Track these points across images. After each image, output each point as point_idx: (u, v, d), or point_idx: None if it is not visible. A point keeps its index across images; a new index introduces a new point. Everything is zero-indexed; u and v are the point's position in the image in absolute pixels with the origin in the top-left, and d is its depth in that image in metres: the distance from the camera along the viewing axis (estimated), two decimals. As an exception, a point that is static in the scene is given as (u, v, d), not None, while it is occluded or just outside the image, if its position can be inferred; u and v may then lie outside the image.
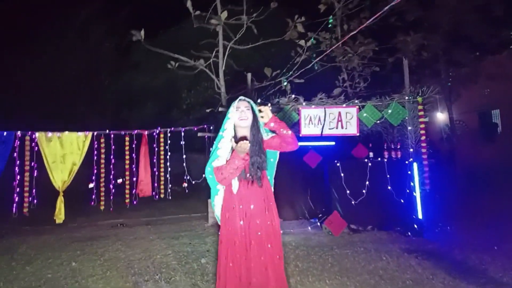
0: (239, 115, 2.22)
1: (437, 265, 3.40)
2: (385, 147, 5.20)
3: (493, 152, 10.60)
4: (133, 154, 6.15)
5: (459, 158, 8.85)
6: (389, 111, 4.87)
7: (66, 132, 5.57)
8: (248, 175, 2.18)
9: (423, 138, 4.80)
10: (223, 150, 2.19)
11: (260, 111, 2.20)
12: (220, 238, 2.23)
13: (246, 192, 2.18)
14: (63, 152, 5.50)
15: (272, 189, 2.36)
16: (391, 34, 7.74)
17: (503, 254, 3.58)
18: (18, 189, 5.39)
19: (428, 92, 4.86)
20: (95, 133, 5.82)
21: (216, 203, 2.33)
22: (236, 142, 2.14)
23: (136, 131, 6.21)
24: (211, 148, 6.52)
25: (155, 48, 6.58)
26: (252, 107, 2.26)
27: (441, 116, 12.57)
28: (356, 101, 5.08)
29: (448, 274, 3.14)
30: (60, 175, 5.45)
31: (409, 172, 4.76)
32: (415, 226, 4.56)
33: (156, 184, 6.35)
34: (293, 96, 5.07)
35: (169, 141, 6.33)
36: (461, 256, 3.62)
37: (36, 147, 5.45)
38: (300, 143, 5.46)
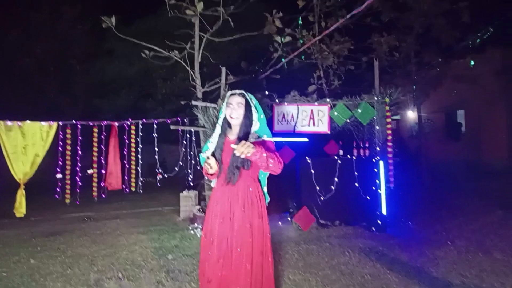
0: (229, 112, 2.11)
1: (395, 260, 3.58)
2: (355, 145, 5.36)
3: (456, 150, 11.23)
4: (102, 146, 5.94)
5: (426, 156, 9.29)
6: (359, 110, 5.00)
7: (28, 121, 5.28)
8: (228, 174, 2.08)
9: (389, 137, 4.98)
10: (213, 144, 2.17)
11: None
12: (202, 232, 2.22)
13: (224, 189, 2.10)
14: (25, 143, 5.22)
15: (263, 194, 2.24)
16: (367, 34, 7.92)
17: (455, 250, 3.82)
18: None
19: (396, 93, 5.03)
20: (61, 123, 5.56)
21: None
22: (218, 145, 2.14)
23: (105, 123, 5.99)
24: (184, 141, 6.37)
25: (129, 36, 6.34)
26: (247, 103, 2.11)
27: (411, 115, 13.09)
28: (328, 100, 5.17)
29: (404, 268, 3.32)
30: (21, 167, 5.18)
31: (376, 170, 4.94)
32: (379, 221, 4.76)
33: (126, 177, 6.19)
34: (267, 92, 5.07)
35: (141, 134, 6.16)
36: (418, 251, 3.83)
37: (-5, 137, 5.14)
38: (274, 139, 5.53)
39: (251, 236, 2.03)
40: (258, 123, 2.14)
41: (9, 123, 5.17)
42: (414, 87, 8.27)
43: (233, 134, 2.16)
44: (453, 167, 9.97)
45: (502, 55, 10.13)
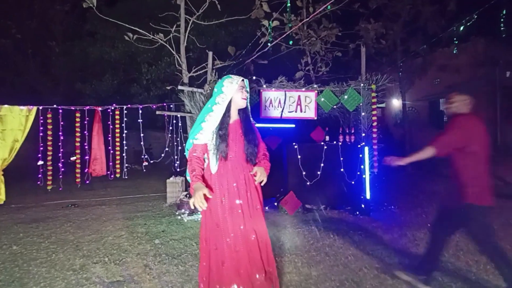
0: (243, 95, 2.15)
1: (378, 241, 3.71)
2: (341, 131, 5.43)
3: (439, 138, 11.54)
4: (85, 132, 5.79)
5: (410, 143, 9.53)
6: (345, 96, 5.05)
7: (6, 105, 5.07)
8: (230, 155, 2.11)
9: (374, 124, 5.06)
10: (208, 123, 2.09)
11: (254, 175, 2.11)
12: (201, 220, 2.17)
13: (226, 172, 2.10)
14: (3, 128, 5.03)
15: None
16: (355, 21, 7.90)
17: (434, 231, 3.99)
18: (-52, 167, 4.88)
19: (382, 80, 5.08)
20: (41, 107, 5.36)
21: None
22: (223, 126, 2.11)
23: (88, 107, 5.83)
24: (170, 127, 6.28)
25: (112, 17, 6.10)
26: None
27: (396, 103, 13.32)
28: (315, 86, 5.18)
29: (386, 249, 3.45)
30: (0, 153, 5.00)
31: (360, 156, 5.04)
32: (363, 206, 4.90)
33: (111, 163, 6.09)
34: (254, 77, 5.03)
35: (125, 119, 6.03)
36: (399, 233, 3.98)
37: (-30, 121, 4.92)
38: (261, 125, 5.50)
39: (254, 216, 2.13)
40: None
41: (-15, 106, 4.95)
42: (400, 73, 8.38)
43: (232, 117, 2.17)
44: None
45: (485, 45, 10.37)
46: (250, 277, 2.04)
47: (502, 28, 5.65)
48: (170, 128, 6.21)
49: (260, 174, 2.08)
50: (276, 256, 3.27)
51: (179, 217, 4.74)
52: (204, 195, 1.90)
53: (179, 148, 6.11)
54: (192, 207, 1.91)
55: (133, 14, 10.05)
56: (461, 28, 6.53)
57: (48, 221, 4.62)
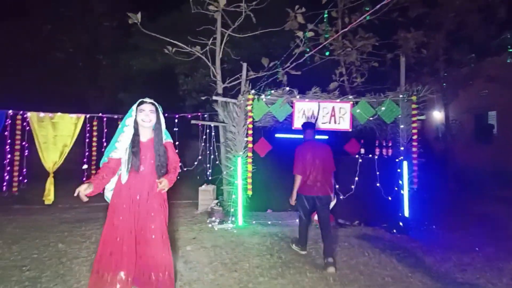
0: (143, 117, 2.45)
1: (418, 263, 3.46)
2: (377, 144, 5.22)
3: (487, 153, 10.65)
4: (126, 139, 6.13)
5: (452, 158, 8.89)
6: (383, 108, 4.86)
7: (59, 113, 5.54)
8: (141, 168, 2.43)
9: (414, 137, 4.81)
10: (121, 143, 2.44)
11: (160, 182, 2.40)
12: (106, 220, 2.44)
13: (134, 183, 2.42)
14: (55, 134, 5.49)
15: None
16: (392, 30, 7.65)
17: (483, 257, 3.65)
18: (8, 168, 5.39)
19: (423, 91, 4.84)
20: (88, 115, 5.78)
21: (108, 187, 2.56)
22: (134, 144, 2.43)
23: (129, 116, 6.18)
24: (204, 136, 6.45)
25: (153, 32, 6.48)
26: (157, 109, 2.48)
27: (438, 115, 12.56)
28: (350, 97, 5.06)
29: (427, 273, 3.21)
30: (51, 156, 5.45)
31: (399, 170, 4.79)
32: (401, 223, 4.62)
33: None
34: (288, 88, 5.03)
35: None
36: (442, 256, 3.68)
37: (28, 127, 5.43)
38: (294, 136, 5.45)
39: (152, 220, 2.43)
40: (163, 127, 2.57)
41: (41, 114, 5.45)
42: (444, 84, 7.89)
43: (144, 136, 2.50)
44: (482, 172, 9.46)
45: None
46: (134, 267, 2.40)
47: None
48: (204, 137, 6.37)
49: (164, 184, 2.39)
50: (307, 272, 3.19)
51: (210, 225, 4.80)
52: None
53: (212, 156, 6.23)
54: (76, 192, 2.29)
55: (172, 28, 10.60)
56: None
57: (89, 221, 4.91)
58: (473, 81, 8.51)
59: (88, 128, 5.85)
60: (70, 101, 12.99)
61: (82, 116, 5.70)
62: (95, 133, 5.88)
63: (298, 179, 3.55)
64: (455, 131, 10.39)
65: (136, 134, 2.46)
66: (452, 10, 7.60)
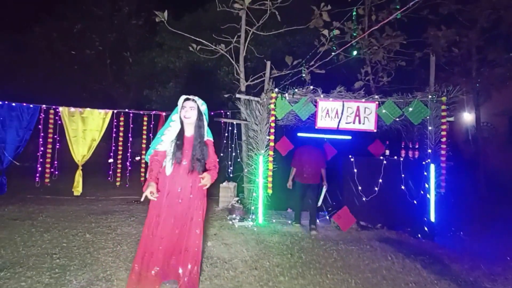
0: (183, 114, 2.56)
1: (444, 270, 3.33)
2: (403, 146, 5.06)
3: (520, 158, 10.04)
4: (150, 134, 6.29)
5: (483, 162, 8.45)
6: (410, 109, 4.70)
7: (88, 108, 5.77)
8: (184, 162, 2.53)
9: (443, 139, 4.61)
10: (167, 136, 2.56)
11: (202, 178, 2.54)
12: (148, 210, 2.54)
13: (177, 176, 2.53)
14: (84, 128, 5.72)
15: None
16: (422, 28, 7.35)
17: (516, 267, 3.45)
18: (41, 160, 5.69)
19: (454, 92, 4.63)
20: (115, 111, 5.98)
21: None
22: (178, 137, 2.55)
23: (154, 112, 6.33)
24: (226, 133, 6.54)
25: (178, 30, 6.60)
26: (198, 106, 2.57)
27: (468, 117, 11.97)
28: (376, 97, 4.92)
29: (454, 281, 3.08)
30: (80, 150, 5.69)
31: (425, 173, 4.62)
32: (426, 228, 4.46)
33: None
34: (311, 87, 4.96)
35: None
36: (470, 264, 3.52)
37: (60, 121, 5.69)
38: (316, 135, 5.42)
39: (191, 214, 2.55)
40: (206, 124, 2.64)
41: (72, 109, 5.69)
42: (478, 84, 7.51)
43: (189, 131, 2.60)
44: (514, 177, 8.94)
45: None
46: (168, 262, 2.56)
47: None
48: (226, 134, 6.42)
49: (206, 179, 2.51)
50: (328, 273, 3.15)
51: (230, 222, 4.84)
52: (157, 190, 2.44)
53: (233, 154, 6.28)
54: (144, 197, 2.40)
55: (197, 26, 10.76)
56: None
57: (115, 214, 5.09)
58: (508, 82, 8.04)
59: (115, 123, 6.05)
60: (99, 97, 13.52)
61: (110, 112, 5.90)
62: (121, 128, 6.08)
63: (293, 171, 4.91)
64: (487, 134, 9.87)
65: (181, 128, 2.58)
66: (488, 7, 7.20)
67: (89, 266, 3.11)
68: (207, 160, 2.64)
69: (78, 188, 5.75)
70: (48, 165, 5.71)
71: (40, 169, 5.77)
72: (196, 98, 2.59)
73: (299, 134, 5.62)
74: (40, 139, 5.69)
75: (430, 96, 4.67)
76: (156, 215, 2.50)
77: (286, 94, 4.93)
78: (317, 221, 4.92)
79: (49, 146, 5.69)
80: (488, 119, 10.41)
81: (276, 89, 4.99)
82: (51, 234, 3.98)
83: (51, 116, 5.66)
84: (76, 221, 4.60)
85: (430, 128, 4.68)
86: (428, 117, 4.70)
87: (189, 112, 2.55)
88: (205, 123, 2.62)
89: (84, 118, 5.76)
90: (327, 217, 5.22)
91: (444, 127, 4.63)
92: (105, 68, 13.89)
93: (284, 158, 5.24)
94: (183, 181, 2.53)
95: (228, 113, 6.87)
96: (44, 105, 5.65)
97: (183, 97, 2.59)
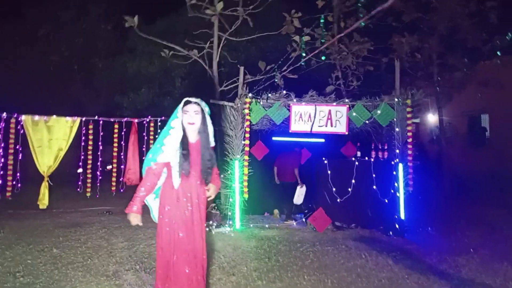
0: (187, 119, 2.27)
1: (414, 265, 3.48)
2: (373, 147, 5.26)
3: (480, 156, 10.78)
4: (122, 142, 6.10)
5: (447, 161, 8.97)
6: (378, 111, 4.91)
7: (54, 116, 5.49)
8: (193, 172, 2.30)
9: (409, 140, 4.86)
10: (168, 146, 2.25)
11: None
12: (157, 230, 2.32)
13: (184, 187, 2.29)
14: (50, 137, 5.44)
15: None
16: (387, 35, 7.74)
17: (478, 258, 3.69)
18: (1, 172, 5.33)
19: (417, 95, 4.90)
20: (84, 119, 5.74)
21: (154, 200, 2.45)
22: (184, 146, 2.27)
23: (126, 119, 6.15)
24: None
25: (150, 35, 6.48)
26: (202, 110, 2.30)
27: (432, 118, 12.69)
28: (347, 100, 5.10)
29: (423, 274, 3.23)
30: (46, 160, 5.39)
31: (394, 173, 4.83)
32: (397, 226, 4.66)
33: (144, 173, 6.32)
34: (285, 92, 5.06)
35: (159, 131, 6.28)
36: (438, 257, 3.71)
37: (22, 130, 5.37)
38: (291, 139, 5.52)
39: (198, 226, 2.34)
40: (211, 128, 2.39)
41: (36, 117, 5.39)
42: (438, 88, 8.01)
43: (192, 137, 2.34)
44: (475, 174, 9.57)
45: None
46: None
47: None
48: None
49: (212, 190, 2.41)
50: (305, 275, 3.19)
51: (207, 229, 4.78)
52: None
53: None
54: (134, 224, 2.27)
55: (169, 31, 10.60)
56: (504, 40, 6.17)
57: (85, 226, 4.86)
58: (466, 85, 8.64)
59: (84, 132, 5.81)
60: (66, 104, 12.87)
61: (78, 119, 5.65)
62: (90, 137, 5.84)
63: (275, 170, 5.55)
64: (449, 134, 10.51)
65: (184, 135, 2.30)
66: (445, 15, 7.72)
67: (57, 283, 2.94)
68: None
69: (43, 200, 5.44)
70: (9, 178, 5.35)
71: (0, 182, 5.40)
72: (199, 100, 2.31)
73: (274, 138, 5.69)
74: (0, 150, 5.33)
75: (396, 99, 4.91)
76: (177, 234, 2.26)
77: (260, 99, 4.98)
78: (293, 216, 5.43)
79: (10, 157, 5.34)
80: (450, 120, 11.09)
81: (250, 94, 5.03)
82: (13, 251, 3.72)
83: (12, 125, 5.33)
84: (41, 235, 4.34)
85: (397, 129, 4.91)
86: (395, 119, 4.93)
87: (193, 117, 2.26)
88: (210, 128, 2.37)
89: (49, 127, 5.47)
90: (303, 220, 5.30)
91: (409, 128, 4.89)
92: (72, 74, 13.31)
93: (260, 163, 5.28)
94: (190, 193, 2.30)
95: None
96: (4, 113, 5.31)
97: (184, 100, 2.31)
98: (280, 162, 5.53)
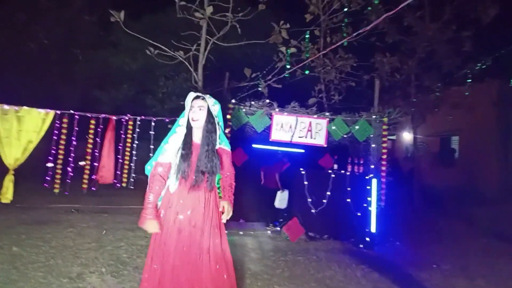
0: (191, 115, 2.09)
1: (381, 278, 3.58)
2: (349, 161, 5.40)
3: (449, 175, 11.34)
4: (97, 138, 5.90)
5: (419, 178, 9.37)
6: (356, 127, 5.06)
7: (25, 107, 5.23)
8: (190, 176, 2.05)
9: (384, 156, 5.03)
10: (171, 145, 2.07)
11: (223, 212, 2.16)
12: (151, 238, 2.09)
13: (185, 194, 2.05)
14: (19, 128, 5.16)
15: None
16: (370, 53, 8.05)
17: (440, 273, 3.85)
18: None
19: (394, 113, 5.10)
20: (59, 112, 5.51)
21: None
22: (185, 146, 2.07)
23: (103, 115, 5.97)
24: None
25: (135, 31, 6.35)
26: (208, 106, 2.10)
27: (407, 136, 13.23)
28: (327, 114, 5.22)
29: (389, 287, 3.33)
30: (13, 152, 5.11)
31: (368, 187, 4.97)
32: (367, 239, 4.78)
33: (119, 172, 6.14)
34: (268, 100, 5.11)
35: (138, 130, 6.13)
36: (404, 271, 3.85)
37: (-11, 119, 5.07)
38: (271, 147, 5.55)
39: (209, 242, 2.05)
40: (219, 128, 2.15)
41: (6, 107, 5.11)
42: (413, 109, 8.41)
43: (198, 137, 2.12)
44: (444, 192, 10.05)
45: (498, 86, 10.36)
46: None
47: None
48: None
49: (228, 211, 2.12)
50: (275, 284, 3.20)
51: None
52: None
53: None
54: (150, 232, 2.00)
55: (156, 30, 10.46)
56: (475, 68, 6.59)
57: (50, 224, 4.63)
58: (439, 107, 9.11)
59: (58, 126, 5.57)
60: (40, 95, 12.29)
61: (52, 112, 5.41)
62: (64, 131, 5.60)
63: (262, 175, 5.91)
64: (422, 153, 10.99)
65: (188, 134, 2.09)
66: (424, 40, 8.15)
67: (14, 283, 2.78)
68: (222, 175, 2.20)
69: (7, 195, 5.13)
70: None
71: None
72: (207, 96, 2.11)
73: (254, 146, 5.72)
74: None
75: (374, 116, 5.09)
76: (162, 243, 2.00)
77: (243, 106, 5.00)
78: (275, 223, 5.54)
79: (-26, 146, 5.02)
80: (424, 139, 11.62)
81: (234, 100, 5.04)
82: (-32, 247, 3.49)
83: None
84: (2, 232, 4.09)
85: (373, 145, 5.08)
86: (372, 135, 5.10)
87: (197, 113, 2.06)
88: (217, 128, 2.12)
89: (20, 118, 5.19)
90: (278, 228, 5.33)
91: (385, 145, 5.06)
92: (50, 64, 12.77)
93: (238, 169, 5.26)
94: (193, 200, 2.03)
95: (184, 120, 6.73)
96: (-29, 100, 5.01)
97: (192, 95, 2.10)
98: (266, 168, 5.87)
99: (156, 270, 1.99)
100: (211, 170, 2.07)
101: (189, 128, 2.10)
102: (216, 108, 2.13)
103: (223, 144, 2.20)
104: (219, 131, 2.14)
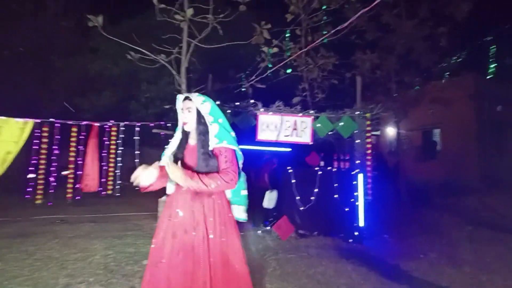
0: (182, 119, 2.02)
1: (371, 270, 3.65)
2: (335, 157, 5.48)
3: (432, 167, 11.68)
4: (80, 146, 5.76)
5: (403, 171, 9.60)
6: (341, 123, 5.14)
7: (2, 117, 5.06)
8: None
9: (368, 151, 5.13)
10: (169, 148, 2.04)
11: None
12: (154, 239, 2.03)
13: (178, 195, 1.98)
14: (-3, 139, 4.98)
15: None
16: (351, 51, 8.20)
17: (427, 262, 3.97)
18: None
19: (376, 109, 5.22)
20: (38, 121, 5.36)
21: None
22: (179, 148, 2.00)
23: (85, 123, 5.84)
24: (165, 146, 6.37)
25: (115, 36, 6.25)
26: (196, 106, 1.98)
27: (391, 131, 13.54)
28: (311, 112, 5.29)
29: (378, 279, 3.40)
30: (-9, 164, 4.93)
31: (355, 182, 5.06)
32: (356, 233, 4.86)
33: (104, 180, 6.01)
34: (252, 101, 5.13)
35: (122, 136, 6.03)
36: (392, 262, 3.94)
37: (-36, 131, 4.88)
38: (258, 147, 5.57)
39: (215, 247, 1.92)
40: (215, 126, 2.00)
41: (-19, 117, 4.94)
42: (394, 104, 8.63)
43: (192, 140, 2.05)
44: (428, 184, 10.35)
45: (475, 80, 10.78)
46: None
47: (491, 66, 5.91)
48: (166, 146, 6.21)
49: (171, 167, 1.84)
50: (267, 283, 3.21)
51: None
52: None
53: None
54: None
55: (136, 33, 10.29)
56: (452, 62, 6.82)
57: (34, 236, 4.49)
58: (420, 102, 9.37)
59: (38, 135, 5.41)
60: (18, 104, 11.88)
61: (31, 121, 5.26)
62: (45, 140, 5.45)
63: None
64: (406, 147, 11.27)
65: (184, 138, 2.04)
66: (402, 37, 8.37)
67: (-3, 300, 2.68)
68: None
69: (-14, 208, 4.94)
70: None
71: None
72: (194, 95, 1.99)
73: (240, 146, 5.72)
74: None
75: (357, 113, 5.18)
76: (160, 242, 1.92)
77: (228, 107, 5.01)
78: (261, 225, 5.42)
79: (-51, 160, 4.82)
80: (407, 133, 11.92)
81: (218, 102, 5.02)
82: None
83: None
84: (-18, 247, 3.93)
85: (357, 141, 5.17)
86: (356, 131, 5.19)
87: (186, 115, 1.97)
88: (210, 127, 1.98)
89: (-3, 128, 5.02)
90: (269, 227, 5.34)
91: (369, 140, 5.17)
92: (27, 72, 12.37)
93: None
94: (189, 206, 1.92)
95: (169, 124, 6.66)
96: None
97: (181, 97, 2.01)
98: (254, 169, 5.81)
99: (158, 271, 1.91)
100: (205, 172, 1.93)
101: (184, 132, 2.05)
102: (206, 106, 1.98)
103: (224, 142, 1.98)
104: (216, 130, 1.99)
